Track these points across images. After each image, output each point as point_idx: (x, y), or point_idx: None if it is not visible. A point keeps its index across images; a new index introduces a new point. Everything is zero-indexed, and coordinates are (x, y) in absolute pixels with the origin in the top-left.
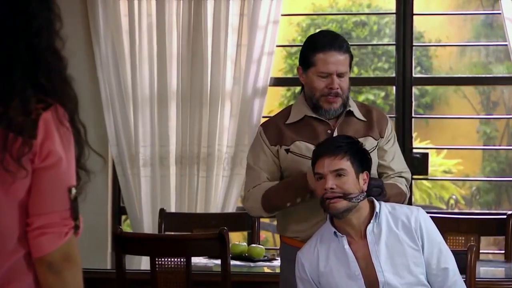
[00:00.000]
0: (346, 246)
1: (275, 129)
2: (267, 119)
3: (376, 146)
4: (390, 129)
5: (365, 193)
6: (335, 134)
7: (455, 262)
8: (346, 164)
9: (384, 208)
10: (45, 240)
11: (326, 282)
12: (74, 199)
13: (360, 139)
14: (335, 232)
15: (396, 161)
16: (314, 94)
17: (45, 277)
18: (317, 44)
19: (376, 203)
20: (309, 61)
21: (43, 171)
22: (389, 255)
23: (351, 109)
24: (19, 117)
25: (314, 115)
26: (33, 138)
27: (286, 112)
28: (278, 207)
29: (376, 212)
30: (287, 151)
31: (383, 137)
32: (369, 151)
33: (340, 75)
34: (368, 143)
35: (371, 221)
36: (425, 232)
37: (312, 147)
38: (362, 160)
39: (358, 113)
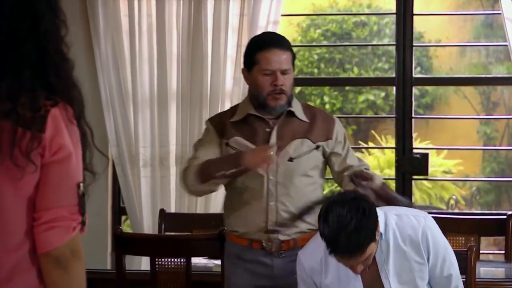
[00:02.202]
0: None
1: (221, 124)
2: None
3: (314, 148)
4: (340, 130)
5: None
6: (274, 132)
7: (457, 267)
8: (368, 247)
9: (391, 220)
10: (53, 234)
11: None
12: (82, 195)
13: (298, 140)
14: None
15: (353, 158)
16: (261, 94)
17: (51, 272)
18: (259, 43)
19: (381, 221)
20: (252, 60)
21: (53, 165)
22: (396, 272)
23: (292, 109)
24: (27, 113)
25: (256, 113)
26: (42, 132)
27: (233, 110)
28: (211, 175)
29: (381, 233)
30: (227, 144)
31: (331, 139)
32: (305, 153)
33: (283, 72)
34: (305, 145)
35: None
36: (431, 244)
37: (249, 144)
38: (374, 224)
39: (300, 114)
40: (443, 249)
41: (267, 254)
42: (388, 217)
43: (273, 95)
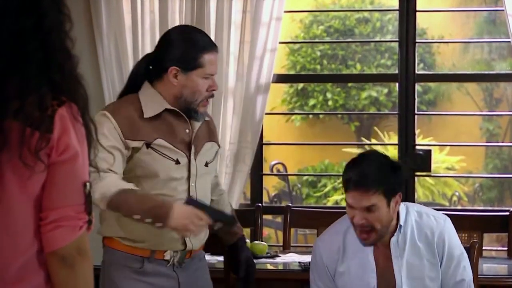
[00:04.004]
0: (371, 256)
1: (128, 122)
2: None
3: (217, 150)
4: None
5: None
6: (194, 135)
7: (471, 275)
8: (377, 198)
9: (411, 216)
10: (60, 234)
11: (341, 282)
12: (88, 194)
13: (208, 143)
14: None
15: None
16: (197, 98)
17: (58, 271)
18: (203, 44)
19: (402, 213)
20: (195, 62)
21: (59, 165)
22: (408, 268)
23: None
24: (35, 113)
25: (175, 109)
26: (50, 133)
27: (136, 105)
28: (122, 212)
29: (400, 225)
30: (148, 145)
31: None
32: (215, 156)
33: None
34: (214, 148)
35: (396, 233)
36: (446, 248)
37: (170, 146)
38: (394, 184)
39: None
40: (458, 253)
41: (169, 265)
42: (409, 212)
43: (204, 101)
